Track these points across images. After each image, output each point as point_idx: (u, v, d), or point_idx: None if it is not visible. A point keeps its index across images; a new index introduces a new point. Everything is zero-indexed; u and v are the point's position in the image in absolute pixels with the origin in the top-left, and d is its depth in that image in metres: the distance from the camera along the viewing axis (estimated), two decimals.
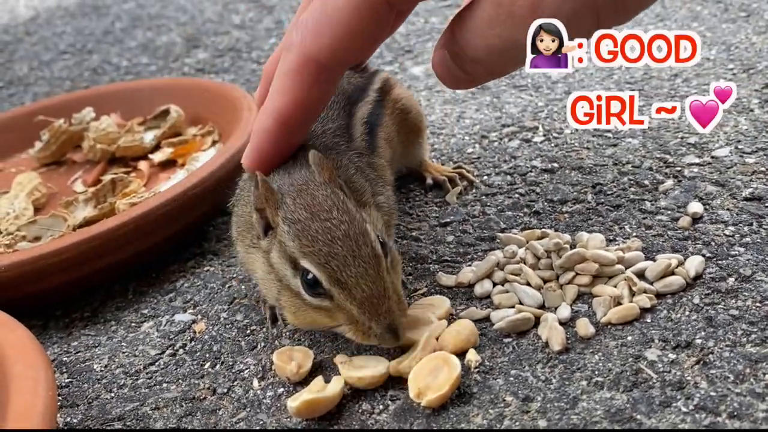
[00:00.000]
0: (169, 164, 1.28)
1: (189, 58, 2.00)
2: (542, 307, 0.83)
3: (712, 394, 0.69)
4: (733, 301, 0.79)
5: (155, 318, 0.96)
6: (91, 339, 0.95)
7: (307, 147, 0.83)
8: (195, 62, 1.97)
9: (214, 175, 1.05)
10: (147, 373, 0.87)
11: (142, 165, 1.24)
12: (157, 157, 1.28)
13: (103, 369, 0.89)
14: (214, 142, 1.30)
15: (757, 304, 0.78)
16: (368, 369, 0.77)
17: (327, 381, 0.77)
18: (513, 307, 0.83)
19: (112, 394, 0.84)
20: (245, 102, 1.26)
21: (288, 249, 0.76)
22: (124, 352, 0.91)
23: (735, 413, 0.66)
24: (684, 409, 0.68)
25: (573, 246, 0.88)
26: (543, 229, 0.93)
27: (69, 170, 1.34)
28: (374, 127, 0.97)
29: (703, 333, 0.76)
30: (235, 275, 1.01)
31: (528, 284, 0.86)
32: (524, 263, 0.88)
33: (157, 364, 0.88)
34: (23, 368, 0.69)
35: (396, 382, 0.77)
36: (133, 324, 0.96)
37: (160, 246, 1.04)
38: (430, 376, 0.74)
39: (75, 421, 0.81)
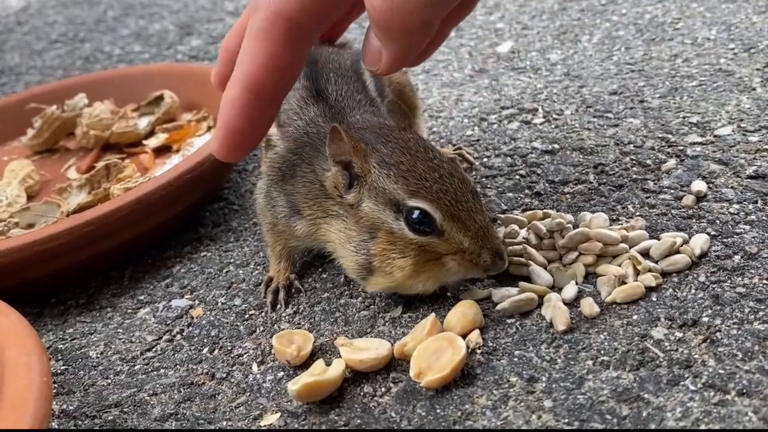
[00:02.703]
0: (163, 150, 1.26)
1: (182, 45, 1.98)
2: (551, 286, 0.81)
3: (721, 372, 0.67)
4: (740, 278, 0.78)
5: (152, 304, 0.94)
6: (87, 326, 0.93)
7: (336, 119, 0.84)
8: (188, 50, 1.94)
9: (209, 159, 1.03)
10: (144, 360, 0.85)
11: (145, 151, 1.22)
12: (152, 143, 1.26)
13: (99, 356, 0.87)
14: (209, 128, 1.28)
15: (764, 282, 0.76)
16: (370, 351, 0.75)
17: (328, 364, 0.76)
18: (516, 286, 0.81)
19: (109, 381, 0.83)
20: None
21: (390, 192, 0.76)
22: (120, 339, 0.89)
23: (744, 391, 0.65)
24: (692, 388, 0.66)
25: (576, 226, 0.87)
26: (545, 210, 0.92)
27: (62, 157, 1.32)
28: (384, 100, 0.95)
29: (709, 311, 0.74)
30: (232, 260, 0.99)
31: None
32: (527, 244, 0.86)
33: (154, 350, 0.86)
34: (17, 353, 0.67)
35: (398, 364, 0.76)
36: (129, 310, 0.94)
37: (155, 231, 1.02)
38: (433, 356, 0.73)
39: (71, 408, 0.79)
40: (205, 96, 1.33)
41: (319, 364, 0.75)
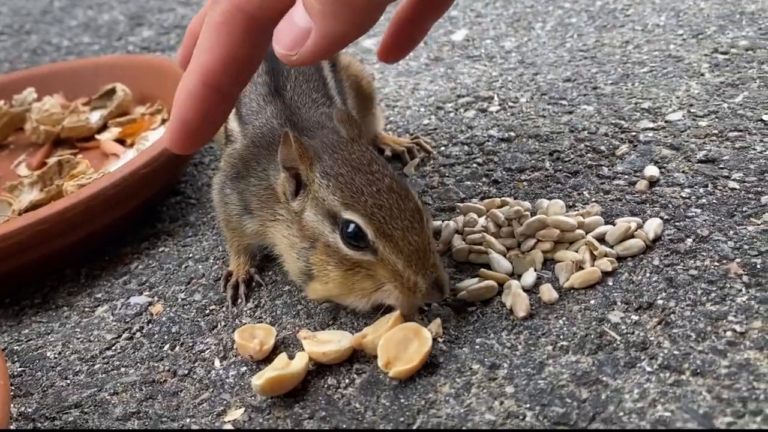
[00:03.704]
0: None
1: (133, 36, 1.94)
2: (510, 274, 0.82)
3: (675, 353, 0.69)
4: (692, 261, 0.80)
5: (110, 302, 0.93)
6: (43, 326, 0.91)
7: (291, 120, 0.84)
8: (140, 40, 1.91)
9: (164, 154, 1.02)
10: (103, 358, 0.84)
11: (106, 145, 1.19)
12: (105, 137, 1.24)
13: (57, 356, 0.86)
14: (163, 121, 1.26)
15: (715, 264, 0.79)
16: (332, 344, 0.76)
17: (291, 357, 0.76)
18: (476, 276, 0.82)
19: (68, 381, 0.82)
20: None
21: (327, 203, 0.74)
22: (78, 338, 0.88)
23: (698, 370, 0.67)
24: (648, 369, 0.68)
25: (534, 213, 0.88)
26: (503, 198, 0.93)
27: (11, 154, 1.29)
28: (343, 96, 0.95)
29: (664, 294, 0.76)
30: (191, 255, 0.99)
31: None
32: (486, 232, 0.87)
33: (113, 348, 0.85)
34: None
35: (361, 356, 0.76)
36: (86, 309, 0.93)
37: (111, 228, 1.01)
38: (400, 345, 0.73)
39: (30, 410, 0.78)
40: (159, 88, 1.31)
41: (282, 357, 0.75)
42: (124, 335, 0.87)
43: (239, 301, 0.87)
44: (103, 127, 1.29)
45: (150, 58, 1.45)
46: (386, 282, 0.74)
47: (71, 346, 0.87)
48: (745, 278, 0.76)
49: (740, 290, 0.75)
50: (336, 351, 0.75)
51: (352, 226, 0.73)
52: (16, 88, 1.34)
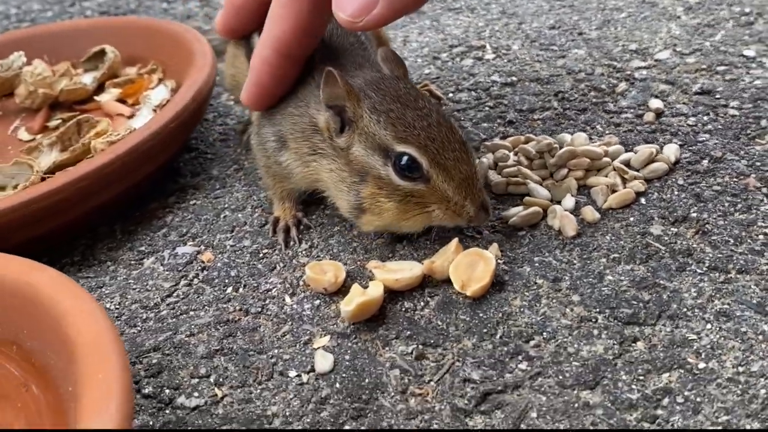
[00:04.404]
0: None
1: (87, 1, 1.89)
2: (549, 200, 0.89)
3: (719, 256, 0.78)
4: (713, 179, 0.89)
5: (155, 253, 0.94)
6: (93, 281, 0.92)
7: (330, 58, 0.86)
8: (96, 5, 1.86)
9: (187, 108, 1.03)
10: (167, 305, 0.86)
11: (109, 106, 1.19)
12: (104, 98, 1.23)
13: (117, 307, 0.87)
14: (159, 80, 1.26)
15: (734, 180, 0.88)
16: (404, 271, 0.80)
17: (364, 287, 0.80)
18: (519, 205, 0.89)
19: (138, 328, 0.83)
20: (190, 35, 1.23)
21: (379, 138, 0.78)
22: (134, 289, 0.89)
23: (743, 269, 0.76)
24: (699, 271, 0.77)
25: (561, 146, 0.95)
26: (527, 135, 0.99)
27: (3, 120, 1.25)
28: (371, 43, 0.98)
29: (695, 207, 0.85)
30: (226, 206, 1.01)
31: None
32: (520, 165, 0.94)
33: (175, 295, 0.87)
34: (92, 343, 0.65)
35: (428, 282, 0.82)
36: (132, 262, 0.94)
37: (142, 184, 1.02)
38: (469, 268, 0.79)
39: None
40: (149, 49, 1.30)
41: (357, 287, 0.80)
42: (182, 282, 0.89)
43: (292, 243, 0.90)
44: (98, 89, 1.27)
45: (136, 19, 1.43)
46: (436, 208, 0.80)
47: (129, 296, 0.88)
48: (764, 190, 0.85)
49: (762, 200, 0.84)
50: (409, 278, 0.80)
51: (405, 158, 0.78)
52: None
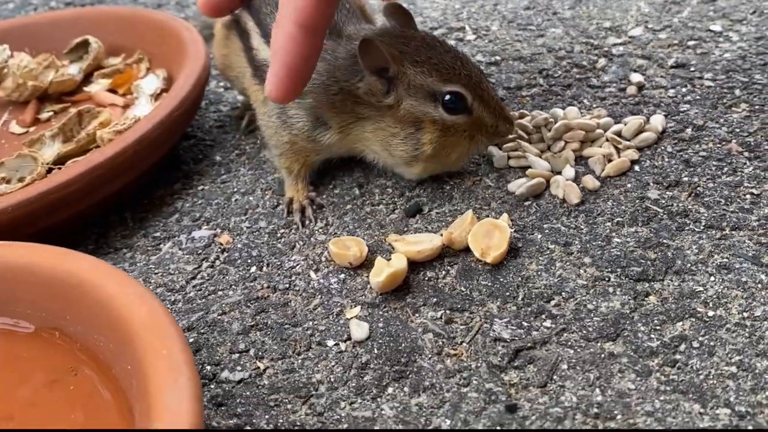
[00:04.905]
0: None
1: None
2: (550, 171, 0.95)
3: (713, 215, 0.85)
4: (698, 145, 0.96)
5: (171, 239, 0.97)
6: None
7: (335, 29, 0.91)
8: None
9: (190, 95, 1.05)
10: (194, 287, 0.89)
11: (101, 96, 1.19)
12: (94, 89, 1.23)
13: None
14: (147, 69, 1.27)
15: (719, 145, 0.95)
16: (424, 243, 0.85)
17: (387, 260, 0.84)
18: (522, 177, 0.94)
19: (168, 310, 0.86)
20: (177, 23, 1.24)
21: (427, 85, 0.86)
22: (156, 273, 0.91)
23: (736, 226, 0.83)
24: (697, 230, 0.83)
25: (556, 120, 1.01)
26: (520, 111, 1.05)
27: None
28: (357, 15, 1.01)
29: (686, 172, 0.92)
30: (236, 189, 1.03)
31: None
32: (520, 140, 0.99)
33: (199, 277, 0.90)
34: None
35: (446, 253, 0.86)
36: (149, 248, 0.96)
37: (149, 172, 1.04)
38: (485, 237, 0.84)
39: None
40: (132, 39, 1.31)
41: (381, 260, 0.84)
42: (204, 264, 0.92)
43: (308, 222, 0.94)
44: (85, 80, 1.28)
45: (117, 9, 1.43)
46: (479, 135, 0.90)
47: (153, 280, 0.90)
48: (746, 154, 0.93)
49: (745, 163, 0.91)
50: (430, 249, 0.84)
51: (451, 96, 0.86)
52: None
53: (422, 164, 0.91)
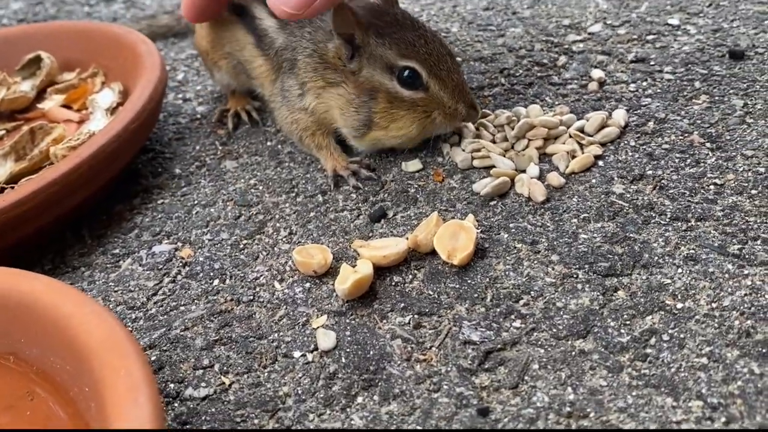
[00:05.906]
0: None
1: (2, 9, 1.83)
2: (514, 170, 0.94)
3: (678, 207, 0.84)
4: (660, 138, 0.96)
5: (131, 255, 0.94)
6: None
7: None
8: (11, 13, 1.80)
9: (146, 108, 1.03)
10: (155, 303, 0.86)
11: (55, 112, 1.16)
12: (48, 105, 1.20)
13: None
14: (103, 84, 1.24)
15: (680, 137, 0.95)
16: (390, 248, 0.84)
17: (352, 266, 0.83)
18: (487, 177, 0.93)
19: (129, 328, 0.83)
20: (134, 36, 1.22)
21: (386, 57, 0.90)
22: (116, 291, 0.89)
23: (701, 217, 0.83)
24: (662, 222, 0.83)
25: (519, 119, 1.00)
26: (482, 111, 1.04)
27: None
28: None
29: (649, 165, 0.91)
30: (196, 202, 1.01)
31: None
32: (482, 139, 0.98)
33: (161, 293, 0.87)
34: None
35: (412, 257, 0.85)
36: (108, 266, 0.93)
37: (106, 187, 1.01)
38: (451, 239, 0.83)
39: None
40: (88, 52, 1.28)
41: (346, 267, 0.82)
42: (166, 280, 0.89)
43: (358, 189, 0.97)
44: (38, 97, 1.25)
45: (71, 23, 1.40)
46: (436, 114, 0.93)
47: (113, 298, 0.88)
48: (707, 145, 0.93)
49: (707, 154, 0.91)
50: (396, 253, 0.83)
51: (407, 71, 0.90)
52: None
53: (370, 135, 0.95)
